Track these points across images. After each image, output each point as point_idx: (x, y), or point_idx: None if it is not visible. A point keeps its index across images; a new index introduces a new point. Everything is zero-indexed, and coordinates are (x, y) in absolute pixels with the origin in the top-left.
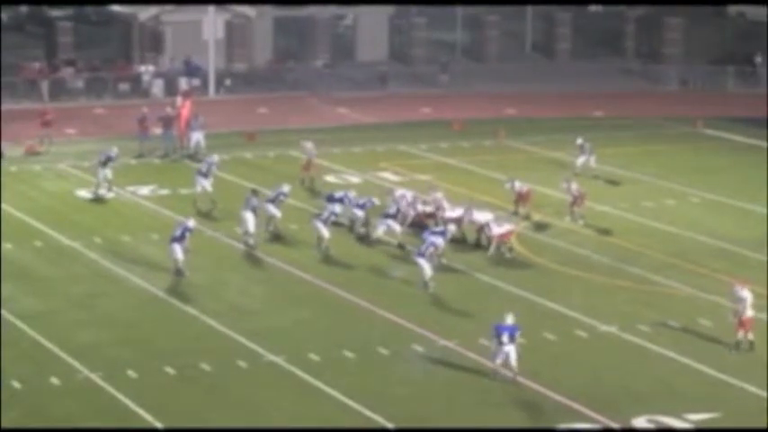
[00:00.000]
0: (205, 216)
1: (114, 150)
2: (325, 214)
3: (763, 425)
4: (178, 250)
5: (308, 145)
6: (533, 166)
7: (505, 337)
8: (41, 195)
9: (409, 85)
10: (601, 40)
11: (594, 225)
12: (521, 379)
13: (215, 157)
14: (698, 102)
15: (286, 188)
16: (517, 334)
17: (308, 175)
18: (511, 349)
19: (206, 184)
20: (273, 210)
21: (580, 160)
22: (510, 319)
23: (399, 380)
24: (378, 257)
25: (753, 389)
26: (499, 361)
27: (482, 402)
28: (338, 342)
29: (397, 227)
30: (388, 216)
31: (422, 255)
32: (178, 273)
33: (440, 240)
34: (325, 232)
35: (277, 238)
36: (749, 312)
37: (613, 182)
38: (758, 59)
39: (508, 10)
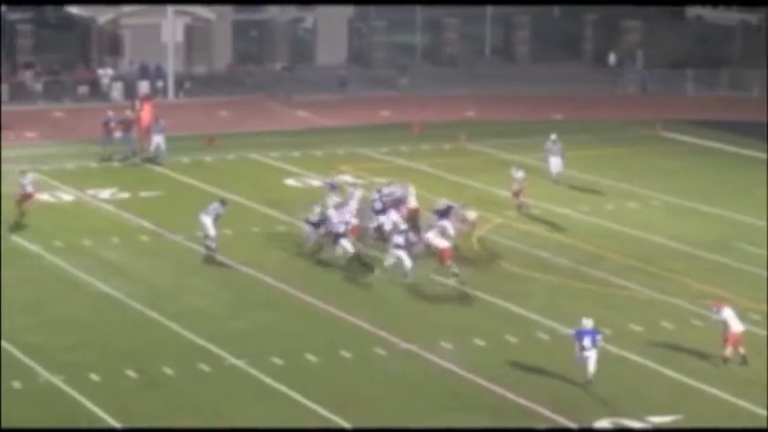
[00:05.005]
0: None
1: None
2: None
3: (723, 427)
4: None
5: (28, 177)
6: (493, 168)
7: (587, 342)
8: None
9: (369, 87)
10: (560, 44)
11: (555, 228)
12: (491, 385)
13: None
14: (657, 105)
15: None
16: (599, 338)
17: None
18: (592, 354)
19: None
20: None
21: (553, 162)
22: (589, 324)
23: (362, 383)
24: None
25: (714, 391)
26: (585, 366)
27: (444, 405)
28: (300, 345)
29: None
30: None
31: (400, 246)
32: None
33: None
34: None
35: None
36: (736, 328)
37: (574, 185)
38: (611, 58)
39: (467, 13)
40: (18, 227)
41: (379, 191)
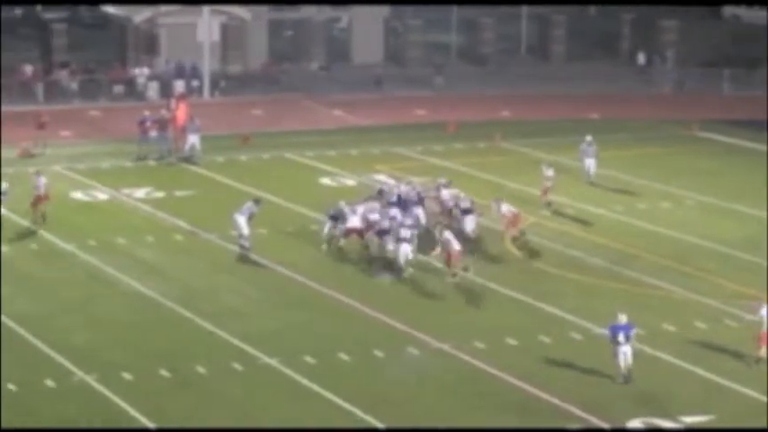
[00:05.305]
0: None
1: (4, 185)
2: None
3: (757, 427)
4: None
5: (42, 179)
6: (528, 167)
7: (621, 337)
8: None
9: (404, 87)
10: (596, 43)
11: (590, 227)
12: (519, 382)
13: None
14: (693, 104)
15: None
16: (632, 333)
17: (38, 209)
18: (627, 349)
19: None
20: None
21: (588, 163)
22: (624, 319)
23: (395, 382)
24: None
25: (748, 391)
26: (622, 363)
27: (476, 405)
28: (333, 344)
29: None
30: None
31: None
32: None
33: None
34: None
35: None
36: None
37: (609, 185)
38: (640, 58)
39: (503, 12)
40: (51, 226)
41: (411, 186)
